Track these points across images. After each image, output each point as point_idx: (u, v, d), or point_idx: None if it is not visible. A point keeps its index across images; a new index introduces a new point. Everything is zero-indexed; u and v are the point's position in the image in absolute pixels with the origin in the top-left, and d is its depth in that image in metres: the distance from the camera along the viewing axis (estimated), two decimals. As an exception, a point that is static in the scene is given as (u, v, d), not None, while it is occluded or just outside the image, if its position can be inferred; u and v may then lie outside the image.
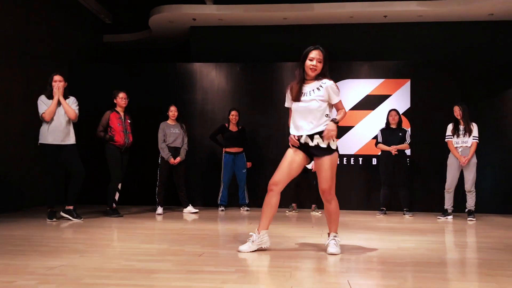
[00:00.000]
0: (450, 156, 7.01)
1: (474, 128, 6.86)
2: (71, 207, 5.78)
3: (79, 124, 6.15)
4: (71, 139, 5.79)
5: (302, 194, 7.71)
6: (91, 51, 9.65)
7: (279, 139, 8.16)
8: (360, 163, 8.05)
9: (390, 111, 7.42)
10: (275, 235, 4.81)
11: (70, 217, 5.75)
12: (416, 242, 4.49)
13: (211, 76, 8.46)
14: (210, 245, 4.08)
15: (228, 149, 7.60)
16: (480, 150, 7.00)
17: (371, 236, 4.90)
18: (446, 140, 7.04)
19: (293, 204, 7.52)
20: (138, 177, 7.98)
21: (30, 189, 7.32)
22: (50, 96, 5.71)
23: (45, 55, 7.83)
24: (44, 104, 5.67)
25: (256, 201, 8.09)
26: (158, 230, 5.14)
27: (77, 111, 5.85)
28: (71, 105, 5.79)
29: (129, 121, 6.61)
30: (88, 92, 8.40)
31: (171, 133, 7.05)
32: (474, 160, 6.82)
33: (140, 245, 4.04)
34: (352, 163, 8.08)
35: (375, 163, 7.96)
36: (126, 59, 10.62)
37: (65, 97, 5.79)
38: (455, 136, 6.93)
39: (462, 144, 6.87)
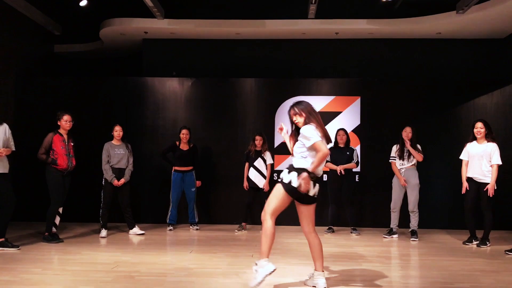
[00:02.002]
0: (395, 176, 7.11)
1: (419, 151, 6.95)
2: (3, 239, 5.59)
3: (21, 139, 5.96)
4: (5, 168, 5.60)
5: (254, 213, 7.67)
6: (41, 61, 9.36)
7: (231, 155, 8.12)
8: (311, 180, 8.05)
9: (338, 130, 7.46)
10: (209, 268, 4.76)
11: (6, 249, 5.56)
12: (354, 279, 4.52)
13: (162, 91, 8.33)
14: (136, 289, 4.01)
15: (177, 168, 7.51)
16: (427, 167, 7.12)
17: (308, 268, 4.83)
18: (390, 161, 7.14)
19: (243, 224, 7.49)
20: (84, 195, 7.80)
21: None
22: None
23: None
24: None
25: (207, 219, 8.05)
26: (91, 264, 4.96)
27: (12, 143, 5.74)
28: (8, 136, 5.67)
29: (72, 144, 6.42)
30: (33, 105, 8.21)
31: (115, 154, 6.89)
32: (417, 181, 6.92)
33: (62, 291, 3.94)
34: (302, 180, 8.08)
35: (325, 179, 7.99)
36: (79, 69, 10.36)
37: None
38: (399, 158, 7.02)
39: (407, 165, 6.97)
